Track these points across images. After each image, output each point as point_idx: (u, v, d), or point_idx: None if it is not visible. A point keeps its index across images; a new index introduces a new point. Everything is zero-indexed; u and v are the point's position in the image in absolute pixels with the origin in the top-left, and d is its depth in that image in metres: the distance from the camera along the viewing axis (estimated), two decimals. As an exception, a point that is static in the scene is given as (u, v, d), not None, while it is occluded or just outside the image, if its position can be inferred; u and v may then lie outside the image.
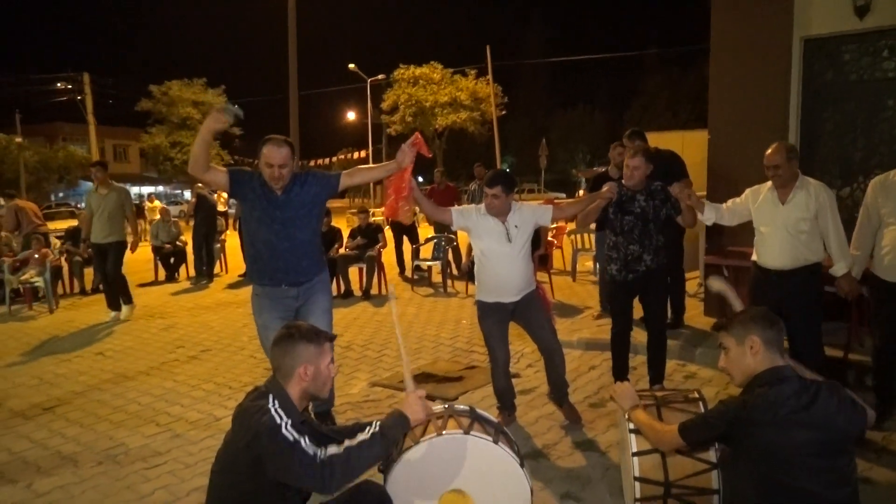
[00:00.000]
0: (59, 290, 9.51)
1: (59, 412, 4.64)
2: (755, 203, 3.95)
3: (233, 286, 9.97)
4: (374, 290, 8.65)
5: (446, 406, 2.72)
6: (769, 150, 3.75)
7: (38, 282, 8.56)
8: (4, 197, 9.78)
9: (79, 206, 25.44)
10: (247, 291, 4.01)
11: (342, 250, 8.83)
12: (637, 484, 2.63)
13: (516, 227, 3.81)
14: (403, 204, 3.67)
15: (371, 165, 4.27)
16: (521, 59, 51.56)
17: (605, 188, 4.09)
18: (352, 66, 34.84)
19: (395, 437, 2.26)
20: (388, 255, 9.69)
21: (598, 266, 7.59)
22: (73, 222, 12.82)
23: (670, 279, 5.23)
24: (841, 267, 3.77)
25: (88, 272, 9.86)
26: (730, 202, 4.12)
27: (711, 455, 2.57)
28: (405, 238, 10.01)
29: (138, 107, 36.35)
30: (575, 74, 58.54)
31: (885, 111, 5.23)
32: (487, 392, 4.50)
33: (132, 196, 9.36)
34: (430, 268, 9.58)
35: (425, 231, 11.62)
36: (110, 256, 7.58)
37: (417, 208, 3.93)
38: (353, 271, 8.86)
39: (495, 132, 26.07)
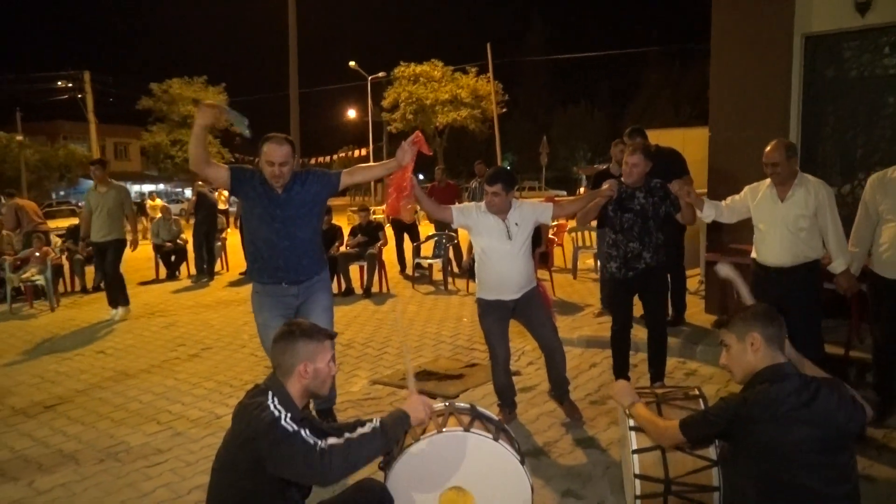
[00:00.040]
0: (61, 289, 9.52)
1: (61, 410, 4.65)
2: (754, 200, 3.95)
3: (234, 284, 9.97)
4: (374, 288, 8.65)
5: (447, 404, 2.73)
6: (768, 148, 3.75)
7: (40, 280, 8.57)
8: (4, 196, 9.76)
9: (79, 204, 25.43)
10: (247, 289, 4.01)
11: (343, 248, 8.84)
12: (637, 481, 2.63)
13: (517, 224, 3.81)
14: (405, 202, 3.67)
15: (371, 164, 4.27)
16: (522, 56, 51.60)
17: (604, 186, 4.09)
18: (352, 63, 34.86)
19: (395, 434, 2.27)
20: (389, 253, 9.69)
21: (599, 263, 7.59)
22: (74, 221, 12.83)
23: (671, 276, 5.23)
24: (840, 264, 3.77)
25: (90, 270, 9.87)
26: (729, 199, 4.12)
27: (712, 452, 2.57)
28: (406, 236, 10.02)
29: (139, 105, 36.39)
30: (576, 71, 58.55)
31: (886, 108, 5.22)
32: (488, 390, 4.50)
33: (133, 194, 9.36)
34: (430, 265, 9.59)
35: (426, 229, 11.62)
36: (109, 255, 7.57)
37: (419, 206, 3.94)
38: (353, 269, 8.86)
39: (496, 130, 26.01)
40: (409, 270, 9.93)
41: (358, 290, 8.70)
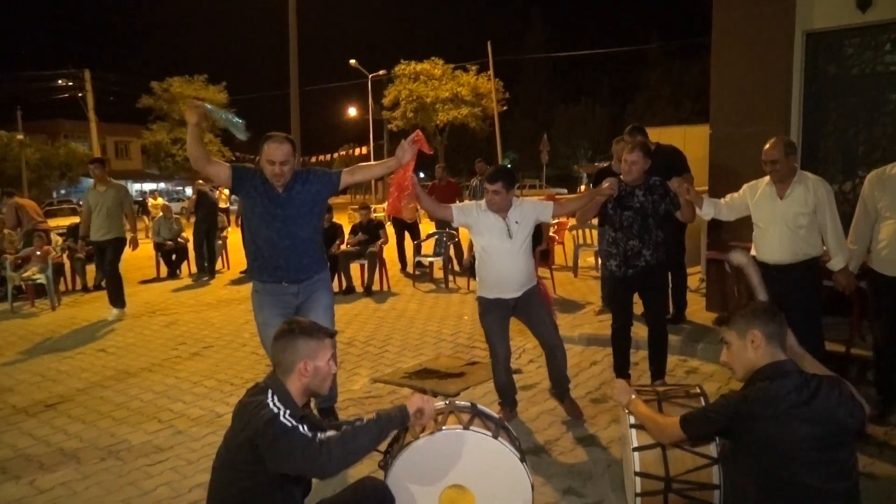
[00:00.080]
0: (62, 287, 9.52)
1: (62, 409, 4.65)
2: (753, 198, 3.95)
3: (234, 283, 9.97)
4: (375, 287, 8.65)
5: (448, 402, 2.73)
6: (767, 145, 3.75)
7: (41, 279, 8.57)
8: (4, 195, 9.77)
9: (80, 203, 25.50)
10: (248, 288, 4.01)
11: (344, 246, 8.84)
12: (638, 479, 2.63)
13: (517, 223, 3.81)
14: (407, 201, 3.68)
15: (372, 163, 4.27)
16: (523, 54, 51.55)
17: (604, 184, 4.08)
18: (353, 61, 34.87)
19: (392, 424, 2.29)
20: (390, 251, 9.68)
21: (599, 261, 7.58)
22: (75, 219, 12.83)
23: (672, 274, 5.23)
24: (839, 261, 3.76)
25: (90, 269, 9.87)
26: (728, 197, 4.12)
27: (712, 450, 2.57)
28: (407, 234, 10.02)
29: (139, 103, 36.39)
30: (576, 69, 58.45)
31: (888, 105, 5.21)
32: (489, 388, 4.50)
33: (134, 193, 9.37)
34: (431, 264, 9.59)
35: (427, 227, 11.62)
36: (108, 253, 7.57)
37: (419, 205, 3.93)
38: (354, 267, 8.87)
39: (496, 128, 26.07)
40: (409, 269, 9.92)
41: (359, 289, 8.70)
